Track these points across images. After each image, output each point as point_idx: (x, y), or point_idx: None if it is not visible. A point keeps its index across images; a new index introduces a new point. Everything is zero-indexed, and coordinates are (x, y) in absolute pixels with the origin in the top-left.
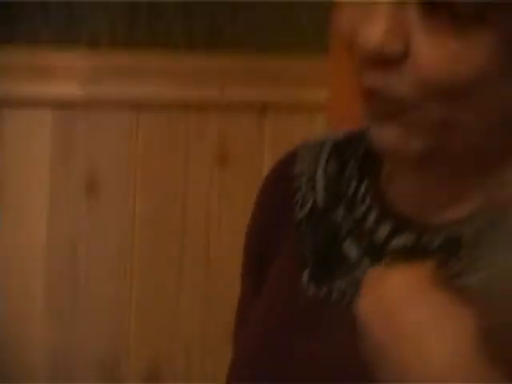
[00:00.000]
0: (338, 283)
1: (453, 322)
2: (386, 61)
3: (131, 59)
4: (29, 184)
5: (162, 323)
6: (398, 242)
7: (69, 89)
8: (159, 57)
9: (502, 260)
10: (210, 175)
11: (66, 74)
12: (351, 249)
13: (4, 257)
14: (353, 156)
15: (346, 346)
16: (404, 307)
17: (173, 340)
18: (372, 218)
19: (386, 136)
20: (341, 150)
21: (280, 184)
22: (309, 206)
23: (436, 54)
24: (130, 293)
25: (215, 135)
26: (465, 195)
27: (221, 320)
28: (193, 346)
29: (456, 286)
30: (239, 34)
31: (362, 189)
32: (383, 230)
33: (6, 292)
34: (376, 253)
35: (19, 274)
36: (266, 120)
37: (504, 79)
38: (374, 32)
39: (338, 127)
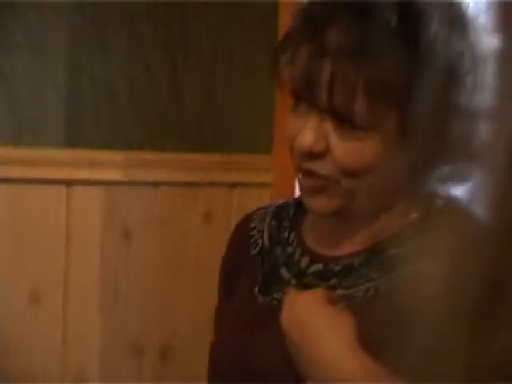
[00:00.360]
0: (276, 295)
1: (340, 328)
2: (315, 155)
3: (153, 155)
4: (86, 236)
5: (168, 309)
6: (314, 268)
7: (113, 174)
8: (169, 154)
9: (378, 277)
10: (199, 228)
11: (110, 164)
12: (285, 273)
13: (74, 283)
14: (286, 217)
15: (281, 338)
16: (308, 317)
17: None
18: (298, 254)
19: (316, 203)
20: (279, 213)
21: (241, 233)
22: (259, 247)
23: (345, 151)
24: (152, 298)
25: (202, 203)
26: (356, 236)
27: (207, 311)
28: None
29: (346, 297)
30: (218, 141)
31: (292, 236)
32: (304, 261)
33: (74, 302)
34: (300, 276)
35: (81, 293)
36: (234, 193)
37: (390, 160)
38: (306, 139)
39: (278, 199)
